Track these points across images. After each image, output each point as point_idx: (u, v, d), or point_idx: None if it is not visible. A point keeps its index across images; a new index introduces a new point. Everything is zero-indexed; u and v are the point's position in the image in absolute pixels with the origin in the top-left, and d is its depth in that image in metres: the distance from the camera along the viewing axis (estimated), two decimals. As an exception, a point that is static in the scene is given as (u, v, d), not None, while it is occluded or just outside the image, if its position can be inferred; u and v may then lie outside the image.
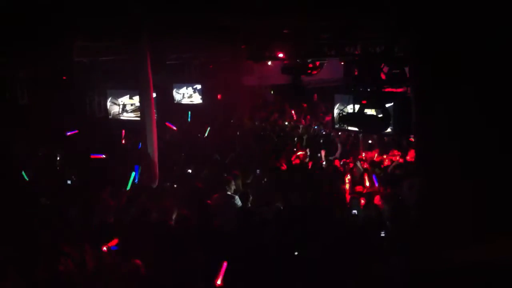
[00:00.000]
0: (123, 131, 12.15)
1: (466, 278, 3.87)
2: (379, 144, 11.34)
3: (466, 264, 3.85)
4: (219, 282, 5.10)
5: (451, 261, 3.99)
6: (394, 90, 8.35)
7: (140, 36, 8.04)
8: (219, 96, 16.49)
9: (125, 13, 6.47)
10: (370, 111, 7.91)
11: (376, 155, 10.65)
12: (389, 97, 8.00)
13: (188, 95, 14.49)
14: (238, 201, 7.41)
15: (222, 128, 14.07)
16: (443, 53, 4.25)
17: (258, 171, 9.21)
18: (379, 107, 7.79)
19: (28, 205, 7.60)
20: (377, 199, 7.33)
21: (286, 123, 15.06)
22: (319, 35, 9.33)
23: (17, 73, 10.36)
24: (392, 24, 6.16)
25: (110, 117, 11.68)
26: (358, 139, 11.42)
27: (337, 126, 9.42)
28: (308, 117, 15.68)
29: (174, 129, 12.91)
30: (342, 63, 13.31)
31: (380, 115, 7.76)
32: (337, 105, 9.28)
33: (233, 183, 7.75)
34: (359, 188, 8.33)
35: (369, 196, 7.55)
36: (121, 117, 11.65)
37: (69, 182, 9.01)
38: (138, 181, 8.55)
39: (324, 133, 13.18)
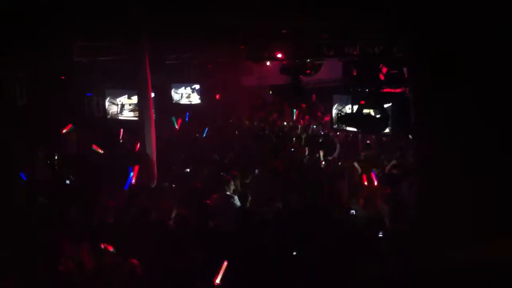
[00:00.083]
0: (121, 130, 12.13)
1: (466, 278, 3.87)
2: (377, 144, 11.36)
3: (466, 264, 3.86)
4: (217, 281, 5.11)
5: (451, 261, 4.00)
6: (392, 90, 8.36)
7: (139, 36, 8.05)
8: (217, 96, 16.48)
9: (125, 13, 6.48)
10: (368, 112, 7.93)
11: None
12: (388, 97, 8.02)
13: (186, 95, 14.49)
14: (237, 202, 7.42)
15: (221, 128, 14.07)
16: (441, 53, 4.25)
17: (256, 171, 9.22)
18: (377, 107, 7.81)
19: (27, 205, 7.60)
20: (376, 199, 7.34)
21: (285, 123, 15.06)
22: (318, 35, 9.34)
23: (16, 73, 10.34)
24: (391, 24, 6.17)
25: (108, 117, 11.68)
26: (357, 139, 11.43)
27: (335, 126, 9.42)
28: (307, 117, 15.69)
29: (175, 128, 12.92)
30: (341, 64, 13.35)
31: (379, 116, 7.78)
32: (336, 105, 9.29)
33: (232, 183, 7.75)
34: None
35: (368, 196, 7.55)
36: (120, 117, 11.65)
37: (67, 182, 9.00)
38: (136, 181, 8.54)
39: (322, 133, 13.19)
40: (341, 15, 6.76)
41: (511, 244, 3.70)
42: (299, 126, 14.12)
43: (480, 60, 4.02)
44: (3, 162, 9.10)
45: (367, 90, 8.37)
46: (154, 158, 8.87)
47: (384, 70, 8.09)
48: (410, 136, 7.77)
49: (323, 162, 10.50)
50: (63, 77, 12.02)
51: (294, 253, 5.89)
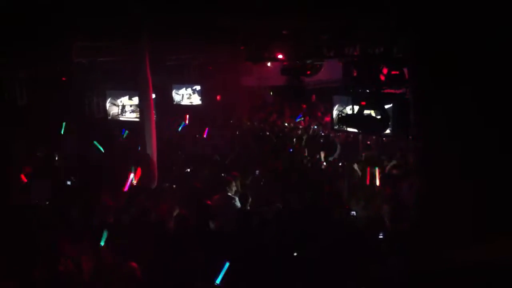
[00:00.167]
0: (123, 131, 12.14)
1: (466, 278, 3.87)
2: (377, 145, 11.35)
3: (466, 264, 3.85)
4: (217, 281, 5.10)
5: (451, 261, 3.99)
6: (393, 91, 8.35)
7: (139, 36, 8.05)
8: (218, 97, 16.49)
9: (125, 13, 6.48)
10: (369, 112, 7.92)
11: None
12: (388, 98, 8.02)
13: (187, 96, 14.50)
14: (238, 203, 7.41)
15: (221, 128, 14.07)
16: (442, 53, 4.24)
17: (257, 171, 9.21)
18: (378, 108, 7.80)
19: (27, 205, 7.60)
20: (376, 200, 7.34)
21: (286, 124, 15.06)
22: (318, 36, 9.34)
23: (16, 73, 10.35)
24: (392, 24, 6.17)
25: (109, 118, 11.68)
26: (357, 140, 11.43)
27: (336, 127, 9.42)
28: (307, 118, 15.69)
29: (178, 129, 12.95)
30: (341, 64, 13.34)
31: (379, 116, 7.77)
32: (336, 106, 9.29)
33: (234, 184, 7.74)
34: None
35: (369, 196, 7.55)
36: (121, 118, 11.65)
37: (68, 182, 9.00)
38: (137, 181, 8.54)
39: (323, 134, 13.19)
40: (341, 15, 6.75)
41: (511, 244, 3.70)
42: (300, 127, 14.12)
43: (480, 60, 4.02)
44: (3, 162, 9.10)
45: (367, 91, 8.36)
46: (155, 159, 8.86)
47: (385, 70, 8.09)
48: (410, 137, 7.78)
49: (324, 163, 10.50)
50: (63, 78, 12.05)
51: (295, 254, 5.88)
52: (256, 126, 14.92)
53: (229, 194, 7.54)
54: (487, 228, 3.97)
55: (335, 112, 9.25)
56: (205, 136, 12.73)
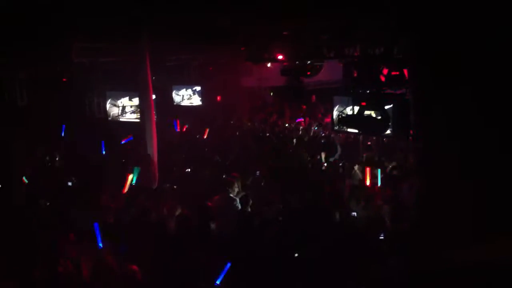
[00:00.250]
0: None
1: (466, 278, 3.87)
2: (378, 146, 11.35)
3: (466, 264, 3.85)
4: (218, 282, 5.10)
5: (451, 261, 3.99)
6: (393, 92, 8.35)
7: (140, 37, 8.06)
8: (218, 98, 16.50)
9: (125, 13, 6.47)
10: (369, 113, 7.92)
11: None
12: (388, 99, 8.01)
13: (187, 96, 14.49)
14: (239, 204, 7.40)
15: (222, 129, 14.08)
16: (442, 53, 4.25)
17: (257, 172, 9.21)
18: (378, 109, 7.80)
19: (27, 206, 7.60)
20: (377, 200, 7.34)
21: (287, 124, 15.05)
22: (318, 36, 9.33)
23: (16, 73, 10.35)
24: (392, 25, 6.17)
25: (109, 118, 11.67)
26: (357, 140, 11.43)
27: (336, 128, 9.42)
28: (307, 118, 15.68)
29: (176, 130, 12.93)
30: (341, 65, 13.31)
31: (379, 117, 7.77)
32: (337, 106, 9.28)
33: (236, 185, 7.73)
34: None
35: (369, 197, 7.55)
36: (121, 119, 11.64)
37: (69, 183, 9.00)
38: (137, 182, 8.54)
39: (323, 134, 13.18)
40: (341, 15, 6.75)
41: (511, 244, 3.69)
42: (300, 128, 14.11)
43: (480, 61, 4.02)
44: (3, 162, 9.11)
45: (367, 91, 8.35)
46: (156, 159, 8.87)
47: (385, 71, 8.08)
48: (410, 137, 7.77)
49: (325, 164, 10.50)
50: (64, 79, 12.05)
51: (296, 255, 5.88)
52: (257, 126, 14.92)
53: (231, 195, 7.52)
54: (487, 228, 3.96)
55: (335, 113, 9.24)
56: (205, 137, 12.74)
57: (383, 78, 8.11)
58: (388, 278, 5.18)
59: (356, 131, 8.86)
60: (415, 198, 6.00)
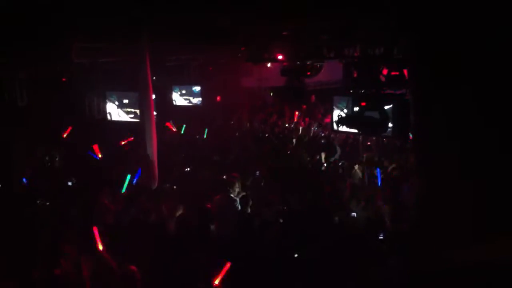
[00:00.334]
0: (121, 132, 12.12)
1: (466, 278, 3.86)
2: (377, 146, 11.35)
3: (466, 264, 3.85)
4: (216, 282, 5.10)
5: (451, 261, 3.99)
6: (393, 92, 8.35)
7: (140, 37, 8.05)
8: (218, 98, 16.49)
9: (125, 13, 6.46)
10: (369, 113, 7.92)
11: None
12: (388, 99, 8.01)
13: (187, 97, 14.48)
14: (239, 205, 7.40)
15: (221, 129, 14.07)
16: (442, 53, 4.24)
17: (257, 172, 9.21)
18: (378, 109, 7.80)
19: (27, 206, 7.60)
20: (377, 200, 7.34)
21: (287, 125, 15.05)
22: (318, 36, 9.33)
23: (16, 73, 10.34)
24: (392, 25, 6.16)
25: (109, 118, 11.65)
26: (357, 141, 11.43)
27: (336, 128, 9.42)
28: (307, 119, 15.68)
29: (173, 130, 12.91)
30: (341, 65, 13.30)
31: (379, 117, 7.77)
32: (337, 107, 9.29)
33: (237, 185, 7.73)
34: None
35: (369, 197, 7.55)
36: (121, 119, 11.63)
37: (69, 183, 9.00)
38: (137, 182, 8.54)
39: (323, 134, 13.18)
40: (341, 15, 6.74)
41: (511, 244, 3.69)
42: (300, 128, 14.11)
43: (480, 60, 4.02)
44: (3, 162, 9.11)
45: (367, 91, 8.36)
46: (155, 160, 8.86)
47: (385, 71, 8.08)
48: (410, 137, 7.77)
49: (325, 164, 10.50)
50: (64, 79, 12.04)
51: (296, 255, 5.88)
52: (256, 127, 14.92)
53: (231, 195, 7.52)
54: (487, 228, 3.96)
55: (335, 113, 9.24)
56: (205, 137, 12.73)
57: (383, 78, 8.11)
58: (388, 279, 5.18)
59: (356, 131, 8.87)
60: (415, 198, 5.99)
